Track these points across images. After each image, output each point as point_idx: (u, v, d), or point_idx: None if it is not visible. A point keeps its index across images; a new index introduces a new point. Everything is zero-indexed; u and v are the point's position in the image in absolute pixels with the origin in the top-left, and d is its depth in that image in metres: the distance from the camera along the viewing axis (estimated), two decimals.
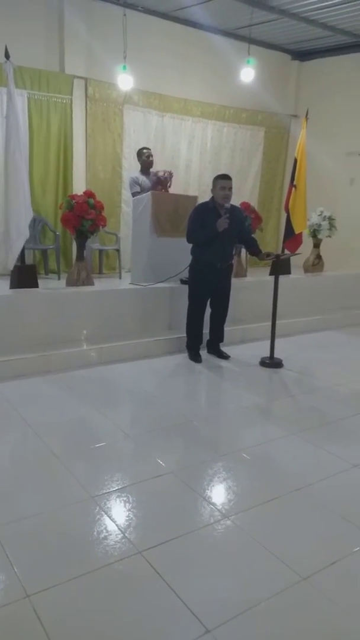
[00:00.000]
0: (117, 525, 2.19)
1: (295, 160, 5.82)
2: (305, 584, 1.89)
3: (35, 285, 4.65)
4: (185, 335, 4.68)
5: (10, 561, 1.94)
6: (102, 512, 2.27)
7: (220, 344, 4.78)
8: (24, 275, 4.59)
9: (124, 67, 6.13)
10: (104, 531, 2.14)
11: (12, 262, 4.51)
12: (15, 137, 4.30)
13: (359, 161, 7.63)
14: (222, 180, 4.26)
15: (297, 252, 5.81)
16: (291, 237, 5.92)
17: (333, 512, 2.36)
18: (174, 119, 7.41)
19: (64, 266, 6.60)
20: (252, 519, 2.28)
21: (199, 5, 6.48)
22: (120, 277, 6.62)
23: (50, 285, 5.32)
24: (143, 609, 1.75)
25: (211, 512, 2.31)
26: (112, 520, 2.22)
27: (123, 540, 2.09)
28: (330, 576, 1.94)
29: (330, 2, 6.16)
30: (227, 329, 4.81)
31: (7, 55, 4.26)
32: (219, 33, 7.35)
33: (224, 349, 4.76)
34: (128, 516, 2.26)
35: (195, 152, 7.72)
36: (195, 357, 4.59)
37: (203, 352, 4.70)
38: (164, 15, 6.92)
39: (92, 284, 5.05)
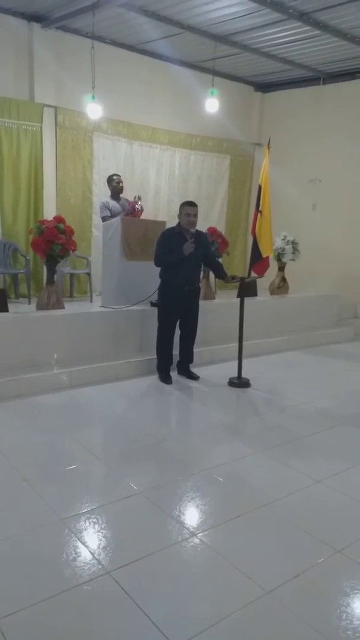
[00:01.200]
0: (86, 546, 2.22)
1: (260, 187, 6.07)
2: (269, 598, 1.96)
3: (5, 310, 4.65)
4: (155, 357, 4.76)
5: None
6: (72, 534, 2.30)
7: (190, 365, 4.87)
8: None
9: (93, 97, 6.30)
10: (73, 553, 2.17)
11: None
12: None
13: (320, 188, 7.96)
14: (188, 207, 4.43)
15: (264, 274, 6.01)
16: (259, 261, 6.13)
17: (297, 526, 2.45)
18: (143, 146, 7.60)
19: (35, 290, 6.61)
20: (219, 535, 2.35)
21: (163, 40, 6.75)
22: (91, 301, 6.67)
23: (21, 310, 5.33)
24: (112, 629, 1.79)
25: (179, 531, 2.36)
26: (81, 541, 2.25)
27: (92, 561, 2.12)
28: (293, 589, 2.02)
29: (289, 39, 6.51)
30: (197, 350, 4.91)
31: None
32: (184, 65, 7.63)
33: (194, 369, 4.85)
34: (97, 537, 2.29)
35: (164, 179, 7.91)
36: (165, 378, 4.67)
37: (173, 374, 4.78)
38: (130, 48, 7.16)
39: (62, 307, 5.09)
